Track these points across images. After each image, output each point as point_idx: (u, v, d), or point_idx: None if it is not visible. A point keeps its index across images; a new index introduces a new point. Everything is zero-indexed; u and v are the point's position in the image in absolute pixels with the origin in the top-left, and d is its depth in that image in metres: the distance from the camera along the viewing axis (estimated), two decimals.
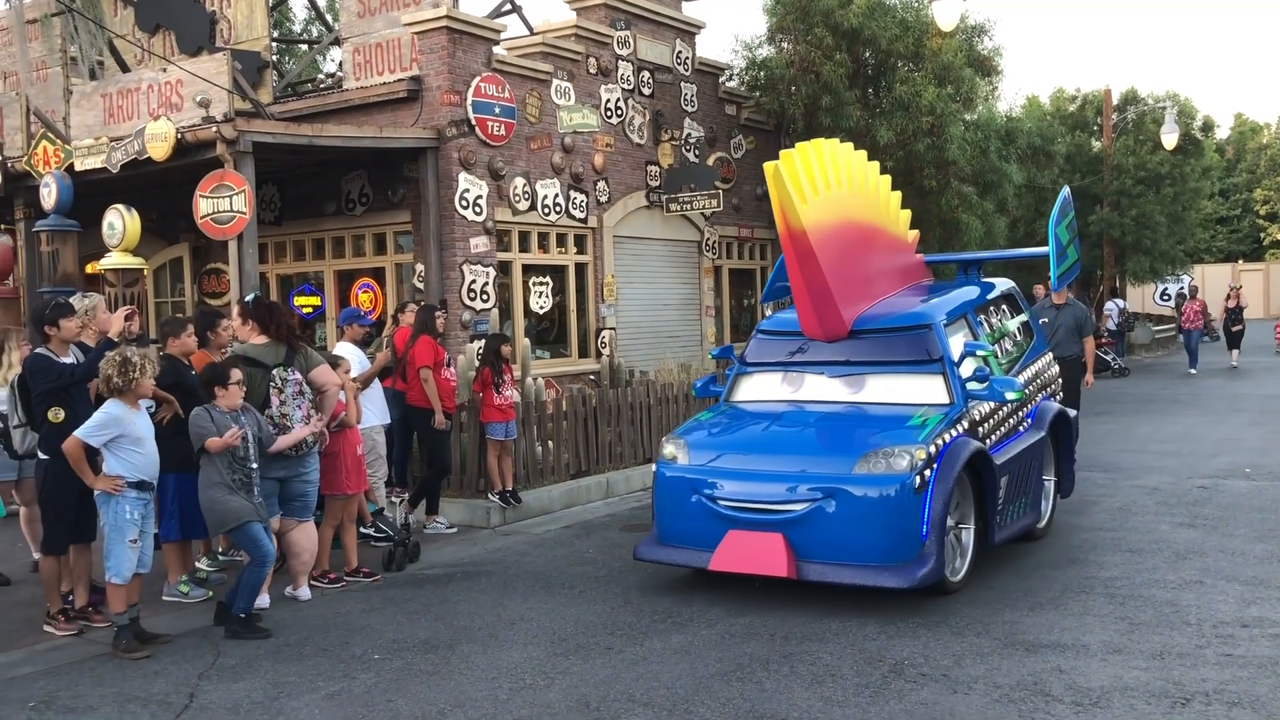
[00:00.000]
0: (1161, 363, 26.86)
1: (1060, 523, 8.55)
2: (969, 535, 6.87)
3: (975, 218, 17.39)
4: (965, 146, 16.90)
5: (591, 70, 14.30)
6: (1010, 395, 6.96)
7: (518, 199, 13.14)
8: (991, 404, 7.25)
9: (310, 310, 13.46)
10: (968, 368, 7.18)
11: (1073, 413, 8.86)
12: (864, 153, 7.97)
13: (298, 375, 6.84)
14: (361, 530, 8.01)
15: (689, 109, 16.02)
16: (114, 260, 10.54)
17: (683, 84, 15.95)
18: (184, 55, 13.52)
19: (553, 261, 14.07)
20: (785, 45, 17.26)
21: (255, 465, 6.40)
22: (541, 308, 13.89)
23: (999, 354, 7.86)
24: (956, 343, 7.34)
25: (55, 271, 10.53)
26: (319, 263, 13.77)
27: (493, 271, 12.77)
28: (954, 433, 6.76)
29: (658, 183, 15.44)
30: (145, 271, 11.81)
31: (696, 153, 16.09)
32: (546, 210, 13.61)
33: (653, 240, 15.62)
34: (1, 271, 12.56)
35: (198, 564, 7.57)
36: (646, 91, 15.24)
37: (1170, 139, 26.70)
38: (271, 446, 6.56)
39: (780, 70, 16.71)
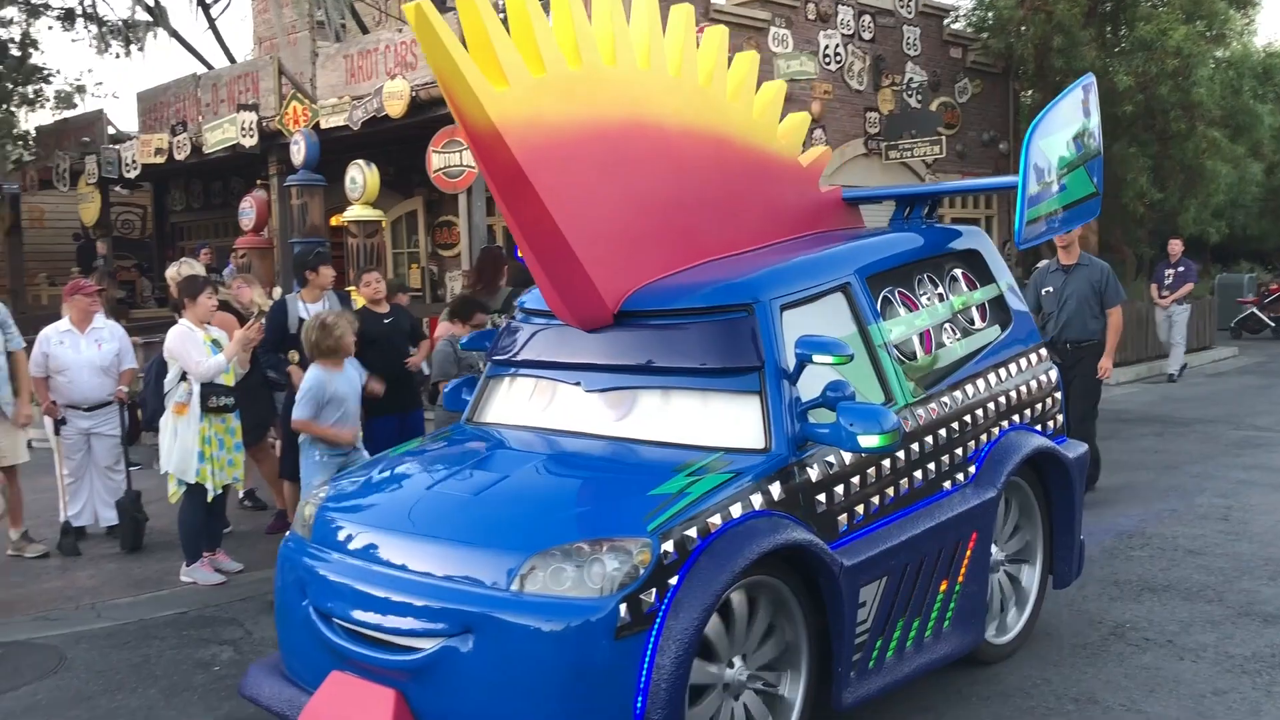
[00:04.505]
0: None
1: None
2: (796, 693, 3.88)
3: (1225, 164, 16.17)
4: (1214, 87, 15.69)
5: (810, 16, 14.08)
6: (870, 441, 3.79)
7: None
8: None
9: None
10: (811, 383, 4.05)
11: (1078, 450, 5.29)
12: (689, 8, 4.82)
13: None
14: None
15: (911, 53, 15.54)
16: (356, 213, 11.22)
17: (905, 27, 15.48)
18: None
19: None
20: None
21: None
22: None
23: (920, 354, 4.72)
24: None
25: (304, 223, 11.30)
26: None
27: None
28: (743, 507, 3.72)
29: (877, 130, 15.11)
30: (384, 224, 12.52)
31: (919, 98, 15.62)
32: None
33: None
34: (258, 224, 13.57)
35: None
36: (867, 36, 14.89)
37: None
38: None
39: (1009, 10, 15.96)
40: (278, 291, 8.38)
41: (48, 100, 20.31)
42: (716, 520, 3.64)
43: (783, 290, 4.28)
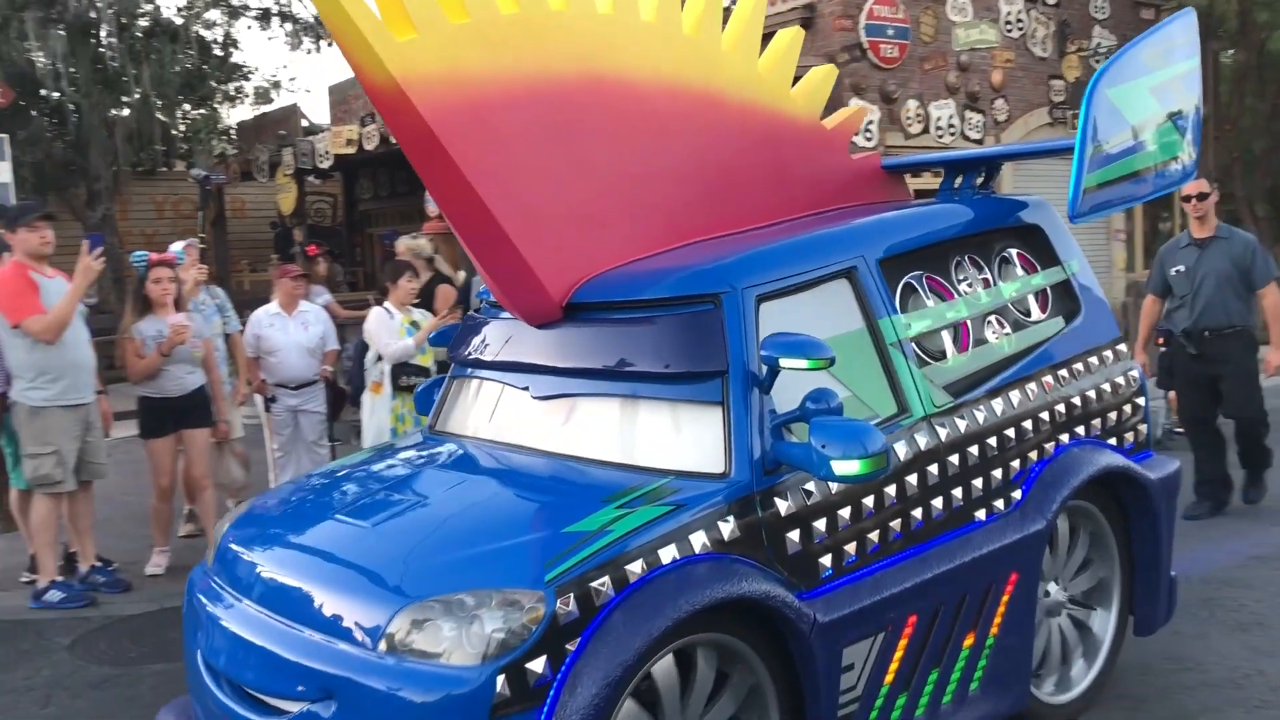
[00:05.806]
0: None
1: None
2: None
3: None
4: None
5: None
6: (846, 468, 3.01)
7: (909, 122, 12.89)
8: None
9: None
10: (783, 393, 3.30)
11: (1165, 468, 4.31)
12: None
13: None
14: None
15: (1099, 16, 14.85)
16: None
17: None
18: None
19: None
20: None
21: None
22: None
23: (952, 353, 3.87)
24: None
25: None
26: None
27: None
28: (680, 550, 3.01)
29: (1062, 98, 14.51)
30: None
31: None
32: (940, 132, 13.24)
33: (1055, 159, 14.75)
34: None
35: None
36: (1051, 1, 14.32)
37: None
38: None
39: None
40: (461, 275, 8.69)
41: (247, 96, 21.60)
42: (638, 568, 2.91)
43: (762, 277, 3.47)
